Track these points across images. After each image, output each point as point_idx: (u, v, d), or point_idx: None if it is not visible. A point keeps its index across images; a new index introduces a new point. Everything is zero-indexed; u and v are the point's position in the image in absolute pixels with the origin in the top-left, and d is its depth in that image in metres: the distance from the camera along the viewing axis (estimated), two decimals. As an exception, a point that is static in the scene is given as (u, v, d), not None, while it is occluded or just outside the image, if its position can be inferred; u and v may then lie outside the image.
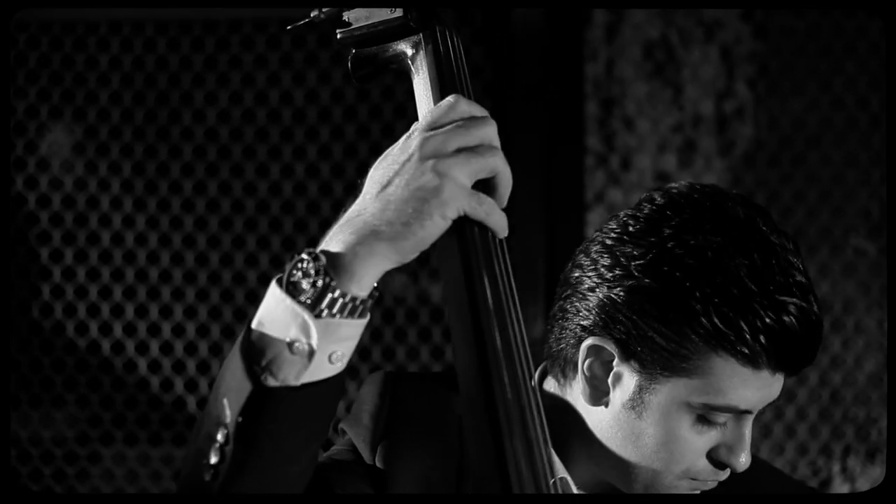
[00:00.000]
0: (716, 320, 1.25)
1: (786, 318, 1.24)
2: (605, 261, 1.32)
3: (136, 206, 2.88)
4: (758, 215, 1.30)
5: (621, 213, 1.36)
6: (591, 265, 1.34)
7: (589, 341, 1.33)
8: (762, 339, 1.25)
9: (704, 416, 1.29)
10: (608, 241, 1.33)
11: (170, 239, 2.88)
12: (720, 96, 2.93)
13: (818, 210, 2.95)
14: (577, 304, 1.35)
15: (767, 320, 1.24)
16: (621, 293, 1.29)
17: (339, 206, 1.15)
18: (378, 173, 1.12)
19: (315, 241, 1.12)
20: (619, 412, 1.33)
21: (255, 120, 2.89)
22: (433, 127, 1.10)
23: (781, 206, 2.93)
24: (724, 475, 1.35)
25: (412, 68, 1.24)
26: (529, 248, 2.77)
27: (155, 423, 2.86)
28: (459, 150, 1.09)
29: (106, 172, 2.88)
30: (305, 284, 1.06)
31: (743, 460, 1.32)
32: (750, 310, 1.24)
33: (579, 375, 1.35)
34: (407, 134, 1.13)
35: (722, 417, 1.30)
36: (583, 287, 1.34)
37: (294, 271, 1.08)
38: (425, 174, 1.07)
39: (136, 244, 2.87)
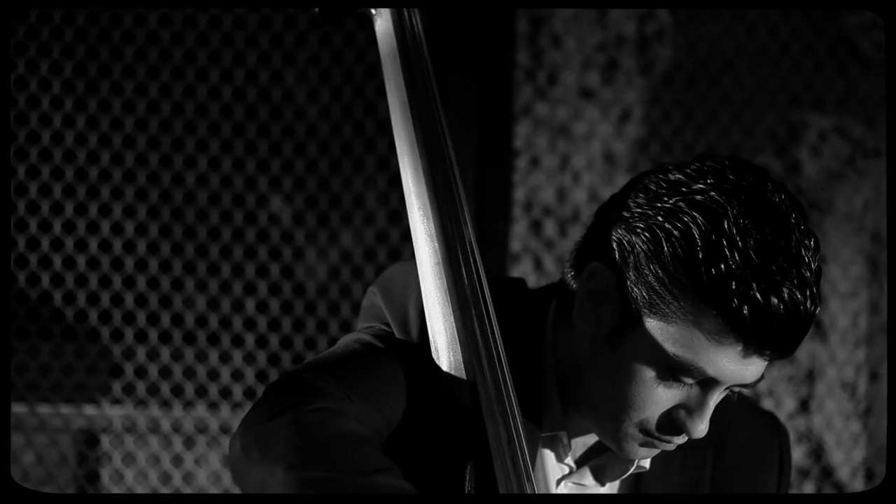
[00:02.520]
0: (711, 273, 1.25)
1: (774, 300, 1.24)
2: (638, 199, 1.34)
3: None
4: (793, 209, 1.31)
5: (669, 164, 1.38)
6: (622, 202, 1.36)
7: (593, 265, 1.36)
8: (745, 310, 1.24)
9: (673, 371, 1.29)
10: (647, 184, 1.35)
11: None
12: (642, 19, 3.04)
13: (729, 129, 3.10)
14: (597, 231, 1.38)
15: (757, 294, 1.23)
16: (638, 228, 1.31)
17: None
18: None
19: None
20: (599, 343, 1.34)
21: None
22: None
23: (696, 124, 3.08)
24: (680, 440, 1.36)
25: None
26: (461, 155, 2.87)
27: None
28: None
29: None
30: None
31: (701, 428, 1.32)
32: (744, 279, 1.24)
33: (577, 299, 1.38)
34: None
35: (689, 378, 1.29)
36: (610, 218, 1.37)
37: None
38: None
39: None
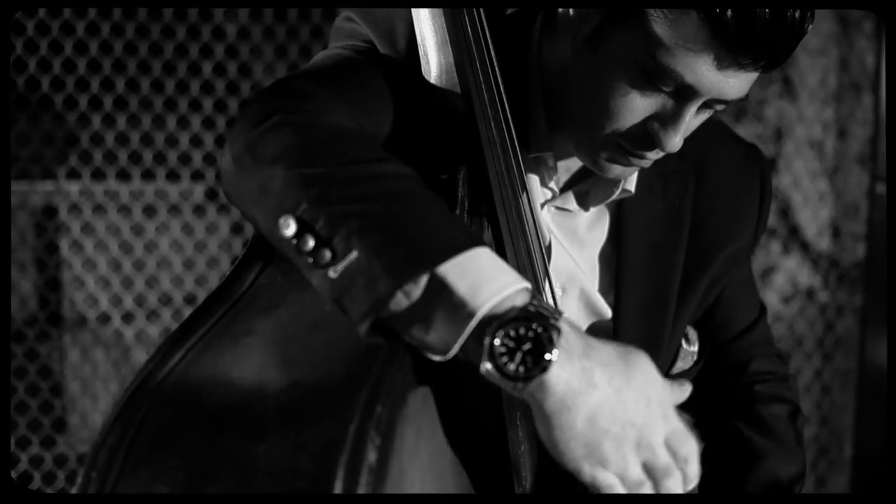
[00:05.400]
0: None
1: (759, 10, 1.18)
2: None
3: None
4: None
5: None
6: None
7: None
8: (728, 12, 1.18)
9: (650, 77, 1.24)
10: None
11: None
12: None
13: None
14: None
15: None
16: None
17: None
18: (629, 398, 1.02)
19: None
20: (580, 46, 1.29)
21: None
22: (674, 439, 1.05)
23: None
24: (653, 155, 1.31)
25: None
26: None
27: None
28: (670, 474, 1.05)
29: None
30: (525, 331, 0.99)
31: (675, 141, 1.27)
32: None
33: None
34: (661, 400, 1.05)
35: (666, 86, 1.24)
36: None
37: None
38: (631, 465, 1.03)
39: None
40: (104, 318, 2.99)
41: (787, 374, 1.64)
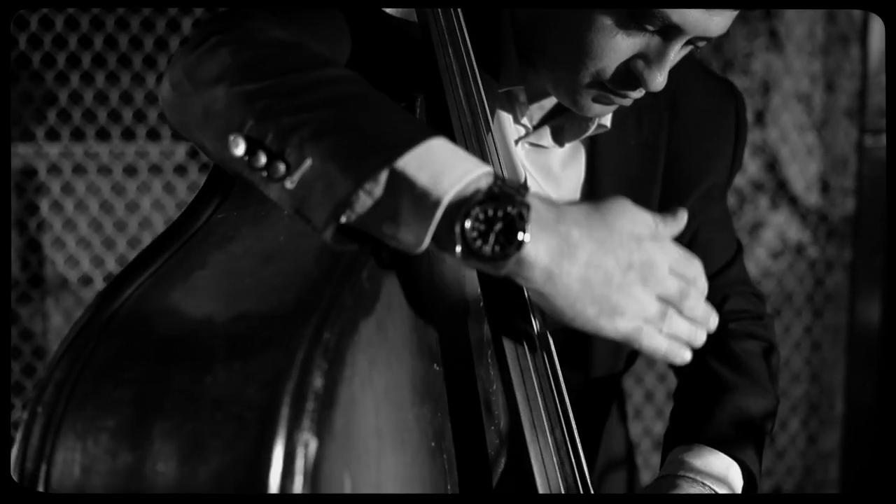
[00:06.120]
0: None
1: None
2: None
3: None
4: None
5: None
6: None
7: None
8: None
9: (636, 16, 1.21)
10: None
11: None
12: None
13: None
14: None
15: None
16: None
17: None
18: (617, 244, 1.02)
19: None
20: None
21: None
22: (678, 266, 1.05)
23: None
24: (636, 94, 1.30)
25: None
26: None
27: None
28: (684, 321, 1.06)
29: None
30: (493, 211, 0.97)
31: (659, 80, 1.25)
32: None
33: None
34: (653, 236, 1.05)
35: (651, 25, 1.22)
36: None
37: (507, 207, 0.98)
38: (647, 303, 1.03)
39: None
40: (86, 280, 2.97)
41: (762, 312, 1.63)
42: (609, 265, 1.00)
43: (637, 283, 1.02)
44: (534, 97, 1.40)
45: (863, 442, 3.37)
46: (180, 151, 2.94)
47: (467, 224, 0.96)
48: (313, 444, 0.85)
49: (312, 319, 0.92)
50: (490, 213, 0.96)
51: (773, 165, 3.12)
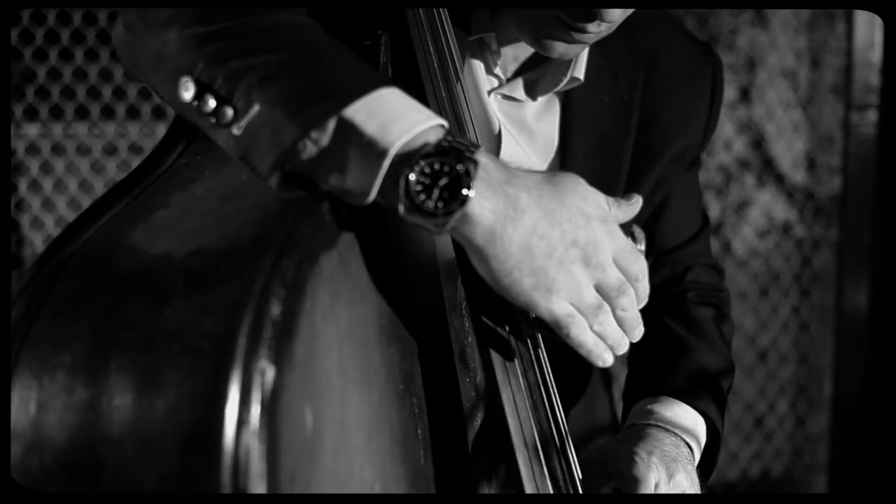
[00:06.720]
0: None
1: None
2: None
3: None
4: None
5: None
6: None
7: None
8: None
9: None
10: None
11: None
12: None
13: None
14: None
15: None
16: None
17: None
18: (564, 219, 0.99)
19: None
20: None
21: None
22: (623, 257, 1.02)
23: None
24: (594, 27, 1.24)
25: None
26: None
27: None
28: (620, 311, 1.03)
29: None
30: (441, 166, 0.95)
31: (615, 11, 1.21)
32: None
33: None
34: (603, 218, 1.02)
35: None
36: None
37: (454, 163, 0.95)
38: (584, 288, 1.00)
39: None
40: (66, 261, 2.93)
41: (720, 285, 1.64)
42: (553, 237, 0.98)
43: (578, 262, 0.99)
44: (505, 43, 1.38)
45: (852, 424, 3.35)
46: (161, 130, 2.92)
47: (412, 177, 0.93)
48: (270, 373, 0.83)
49: (271, 250, 0.90)
50: (437, 166, 0.93)
51: (759, 143, 3.10)
